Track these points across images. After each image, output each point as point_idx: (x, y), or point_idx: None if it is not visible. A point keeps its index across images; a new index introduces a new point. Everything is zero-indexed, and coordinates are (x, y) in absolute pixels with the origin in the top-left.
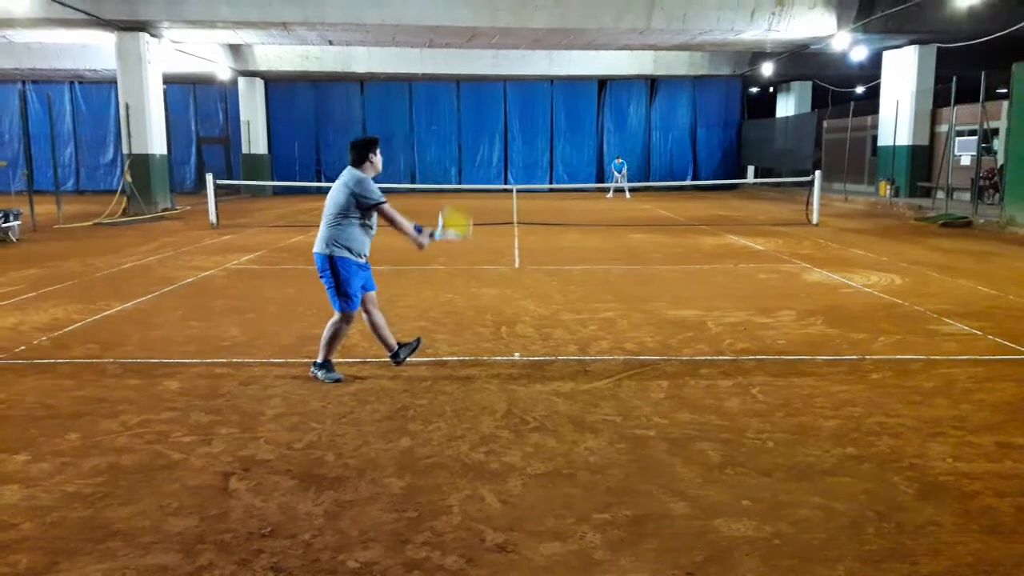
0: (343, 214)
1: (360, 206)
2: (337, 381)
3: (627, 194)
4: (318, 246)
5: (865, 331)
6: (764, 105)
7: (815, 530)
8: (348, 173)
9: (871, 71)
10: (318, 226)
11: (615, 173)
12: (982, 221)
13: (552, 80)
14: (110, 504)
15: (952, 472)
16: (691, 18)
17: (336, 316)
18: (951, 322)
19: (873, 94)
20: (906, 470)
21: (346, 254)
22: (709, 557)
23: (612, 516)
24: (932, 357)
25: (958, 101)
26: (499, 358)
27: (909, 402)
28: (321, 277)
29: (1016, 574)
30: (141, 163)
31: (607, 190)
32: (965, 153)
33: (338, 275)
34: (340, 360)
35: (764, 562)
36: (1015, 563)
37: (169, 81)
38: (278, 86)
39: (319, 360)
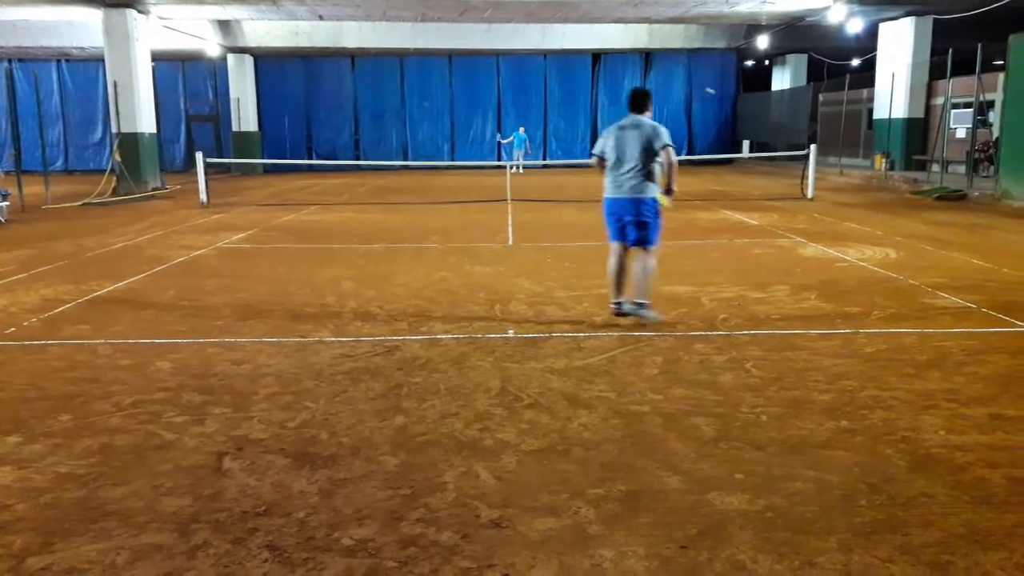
0: (651, 159)
1: (657, 148)
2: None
3: (518, 169)
4: (637, 193)
5: (859, 305)
6: (759, 78)
7: (808, 503)
8: (643, 120)
9: (867, 43)
10: (310, 204)
11: (515, 149)
12: (977, 194)
13: (545, 54)
14: (103, 485)
15: (944, 444)
16: None
17: (652, 251)
18: (945, 295)
19: (869, 67)
20: (899, 443)
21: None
22: (703, 531)
23: (606, 491)
24: (926, 330)
25: (954, 73)
26: (493, 336)
27: (902, 375)
28: (641, 219)
29: (1008, 544)
30: (130, 142)
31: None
32: (961, 126)
33: (656, 211)
34: (332, 339)
35: (757, 535)
36: (1006, 533)
37: (157, 58)
38: (268, 63)
39: (647, 301)
